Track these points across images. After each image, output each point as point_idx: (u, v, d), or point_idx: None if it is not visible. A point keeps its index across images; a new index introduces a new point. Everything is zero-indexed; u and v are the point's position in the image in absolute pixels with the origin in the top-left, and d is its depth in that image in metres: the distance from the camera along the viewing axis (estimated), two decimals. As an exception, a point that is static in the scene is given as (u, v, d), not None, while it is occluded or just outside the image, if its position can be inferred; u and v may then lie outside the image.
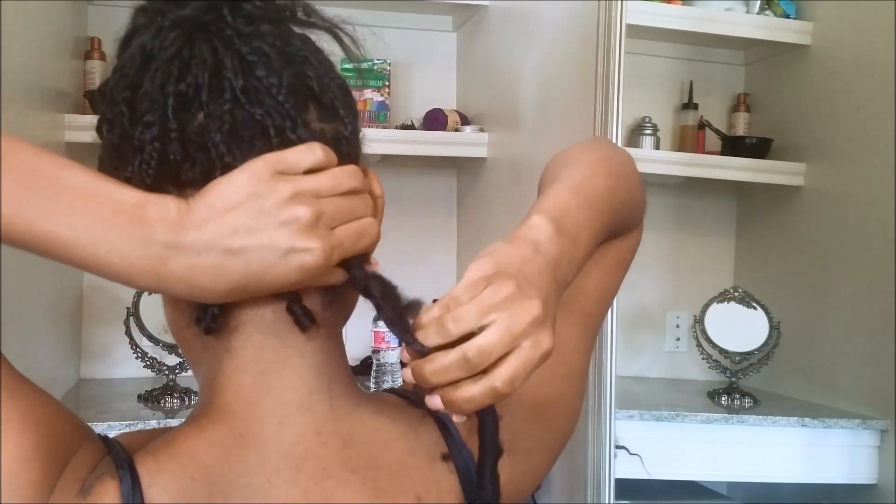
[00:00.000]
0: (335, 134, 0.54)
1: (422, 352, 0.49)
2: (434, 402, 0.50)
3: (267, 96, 0.51)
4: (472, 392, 0.48)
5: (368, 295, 0.52)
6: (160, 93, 0.50)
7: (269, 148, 0.50)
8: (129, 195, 0.47)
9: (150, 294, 1.72)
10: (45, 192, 0.45)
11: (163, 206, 0.47)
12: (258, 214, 0.47)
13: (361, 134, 0.58)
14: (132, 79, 0.52)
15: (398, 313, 0.52)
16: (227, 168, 0.50)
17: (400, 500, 0.55)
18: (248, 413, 0.54)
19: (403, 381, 0.52)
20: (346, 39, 0.56)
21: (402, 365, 0.51)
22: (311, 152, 0.50)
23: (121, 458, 0.51)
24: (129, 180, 0.51)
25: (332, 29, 0.56)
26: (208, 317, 0.53)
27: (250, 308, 0.54)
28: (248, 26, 0.51)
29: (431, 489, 0.57)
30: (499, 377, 0.48)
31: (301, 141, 0.51)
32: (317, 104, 0.53)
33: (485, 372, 0.48)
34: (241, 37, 0.51)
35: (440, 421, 0.60)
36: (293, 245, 0.47)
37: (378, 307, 0.52)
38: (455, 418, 0.51)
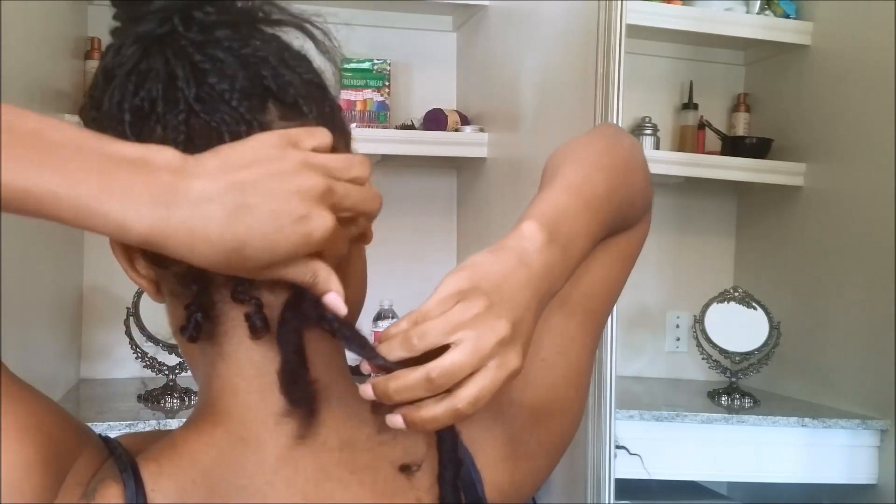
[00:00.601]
0: None
1: (383, 366, 0.49)
2: (395, 420, 0.49)
3: (220, 102, 0.50)
4: (435, 412, 0.48)
5: (322, 320, 0.52)
6: (118, 110, 0.50)
7: None
8: (128, 147, 0.45)
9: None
10: (31, 148, 0.43)
11: (166, 153, 0.45)
12: (273, 175, 0.46)
13: (344, 127, 0.57)
14: (97, 99, 0.52)
15: (354, 332, 0.51)
16: None
17: (398, 500, 0.55)
18: (244, 415, 0.54)
19: (361, 394, 0.50)
20: (318, 34, 0.55)
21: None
22: (317, 132, 0.50)
23: (124, 461, 0.51)
24: None
25: (301, 24, 0.55)
26: (191, 326, 0.53)
27: (238, 311, 0.54)
28: (202, 34, 0.51)
29: (432, 490, 0.57)
30: (462, 399, 0.48)
31: None
32: (277, 103, 0.52)
33: (449, 391, 0.48)
34: (194, 45, 0.50)
35: None
36: (309, 212, 0.46)
37: (333, 330, 0.52)
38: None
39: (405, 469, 0.57)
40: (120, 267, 0.56)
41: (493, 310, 0.48)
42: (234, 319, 0.54)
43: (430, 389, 0.47)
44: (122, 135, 0.50)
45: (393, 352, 0.48)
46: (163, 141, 0.49)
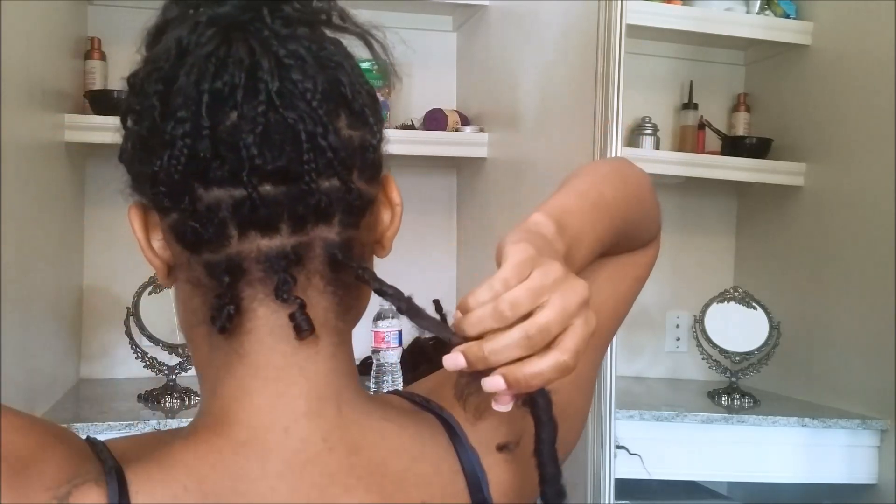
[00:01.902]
0: (362, 141, 0.54)
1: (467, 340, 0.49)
2: (494, 382, 0.48)
3: (301, 100, 0.50)
4: (541, 367, 0.48)
5: (393, 299, 0.53)
6: (195, 89, 0.49)
7: (300, 153, 0.50)
8: None
9: (150, 294, 1.72)
10: None
11: None
12: None
13: (386, 140, 0.58)
14: (166, 72, 0.51)
15: (420, 312, 0.52)
16: (255, 170, 0.50)
17: (406, 503, 0.55)
18: (253, 419, 0.53)
19: (448, 366, 0.50)
20: (376, 46, 0.56)
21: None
22: None
23: (109, 465, 0.50)
24: (155, 174, 0.51)
25: (364, 35, 0.56)
26: (224, 315, 0.52)
27: (266, 310, 0.53)
28: (286, 28, 0.51)
29: (436, 494, 0.56)
30: (565, 350, 0.48)
31: (331, 148, 0.51)
32: (348, 111, 0.53)
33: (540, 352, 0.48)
34: (278, 38, 0.50)
35: (446, 423, 0.59)
36: None
37: (405, 310, 0.52)
38: (497, 406, 0.50)
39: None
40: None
41: (570, 273, 0.50)
42: (262, 318, 0.53)
43: (527, 347, 0.47)
44: (195, 114, 0.49)
45: (484, 323, 0.48)
46: (236, 129, 0.49)
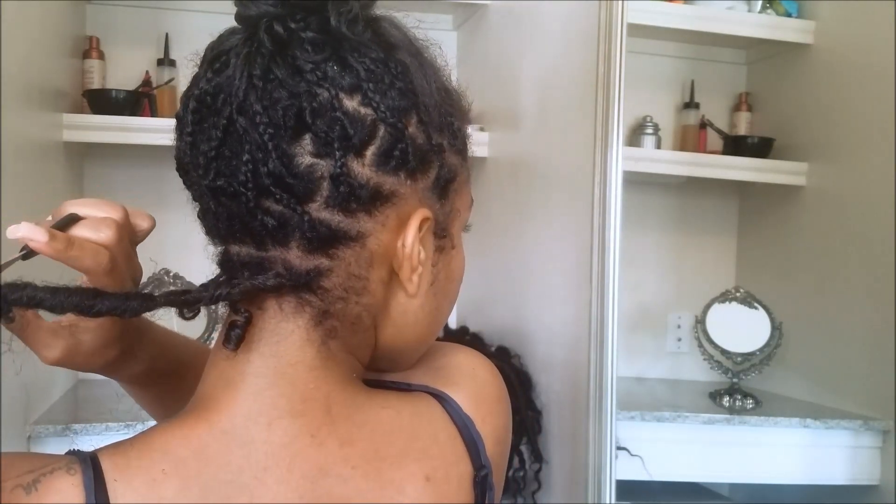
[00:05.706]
0: (331, 170, 0.51)
1: None
2: None
3: (251, 122, 0.51)
4: None
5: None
6: (183, 99, 0.54)
7: (235, 174, 0.51)
8: None
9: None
10: None
11: None
12: None
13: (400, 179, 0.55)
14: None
15: None
16: (201, 184, 0.53)
17: (408, 485, 0.55)
18: (234, 410, 0.53)
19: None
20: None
21: None
22: None
23: (83, 454, 0.50)
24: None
25: (375, 69, 0.56)
26: (234, 338, 0.53)
27: (253, 315, 0.54)
28: (274, 46, 0.52)
29: (439, 466, 0.57)
30: None
31: (270, 173, 0.51)
32: (313, 137, 0.51)
33: None
34: (261, 56, 0.51)
35: (438, 397, 0.60)
36: None
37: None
38: None
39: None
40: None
41: None
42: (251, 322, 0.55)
43: None
44: (178, 122, 0.54)
45: None
46: (193, 145, 0.53)
